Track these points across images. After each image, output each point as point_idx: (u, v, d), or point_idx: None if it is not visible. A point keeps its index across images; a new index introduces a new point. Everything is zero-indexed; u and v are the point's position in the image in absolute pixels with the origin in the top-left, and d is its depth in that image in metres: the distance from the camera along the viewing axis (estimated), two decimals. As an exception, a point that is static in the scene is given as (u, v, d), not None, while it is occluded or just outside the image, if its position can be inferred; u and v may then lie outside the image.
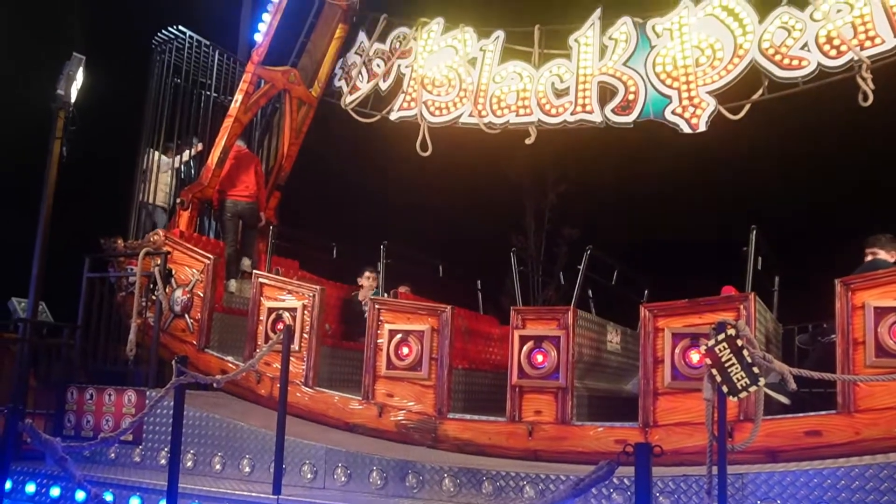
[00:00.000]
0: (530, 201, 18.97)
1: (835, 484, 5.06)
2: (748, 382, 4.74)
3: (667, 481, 5.46)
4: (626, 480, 5.47)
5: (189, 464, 7.00)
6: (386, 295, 8.78)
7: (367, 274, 9.55)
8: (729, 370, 4.77)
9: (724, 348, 4.79)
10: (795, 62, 8.21)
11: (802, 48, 8.18)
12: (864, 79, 7.91)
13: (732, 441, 5.37)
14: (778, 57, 8.27)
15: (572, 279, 13.64)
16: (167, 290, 8.19)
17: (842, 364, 5.87)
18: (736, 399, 4.81)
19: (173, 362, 5.76)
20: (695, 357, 6.22)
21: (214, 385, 6.46)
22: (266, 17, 9.97)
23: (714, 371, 4.79)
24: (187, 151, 10.27)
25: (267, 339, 7.90)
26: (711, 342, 4.83)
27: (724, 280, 8.96)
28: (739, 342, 4.78)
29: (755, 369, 4.75)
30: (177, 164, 10.09)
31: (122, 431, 5.91)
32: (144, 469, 7.25)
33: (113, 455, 7.44)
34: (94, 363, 8.21)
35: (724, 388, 4.76)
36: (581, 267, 7.08)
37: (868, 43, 7.93)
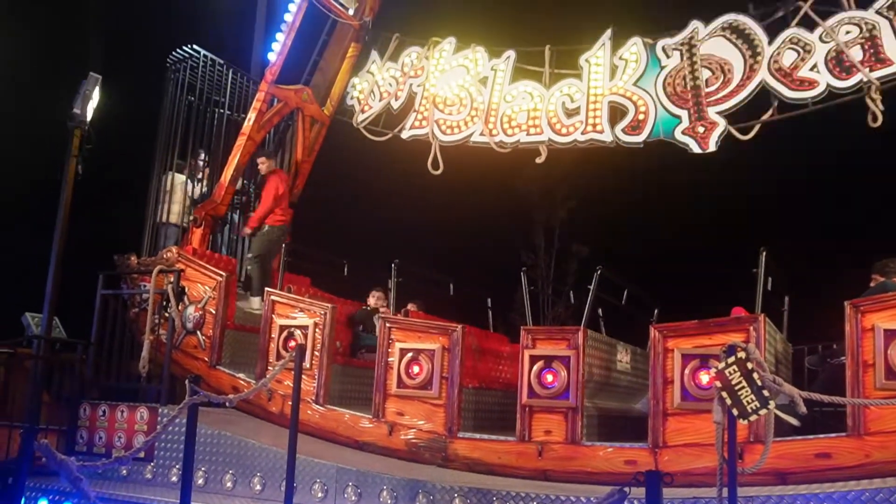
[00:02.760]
0: (540, 218, 19.02)
1: (845, 508, 5.06)
2: (758, 405, 4.76)
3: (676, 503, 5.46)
4: (636, 502, 5.47)
5: (200, 481, 7.04)
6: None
7: (374, 293, 9.60)
8: (739, 393, 4.79)
9: (735, 371, 4.81)
10: (805, 83, 8.25)
11: (812, 69, 8.22)
12: (873, 100, 7.94)
13: (742, 463, 5.38)
14: (788, 78, 8.31)
15: (581, 297, 13.71)
16: (180, 306, 8.25)
17: (851, 387, 5.87)
18: (746, 422, 4.83)
19: (186, 382, 5.80)
20: (704, 378, 6.24)
21: (228, 404, 6.50)
22: (280, 36, 10.07)
23: (724, 394, 4.81)
24: (199, 169, 10.35)
25: (278, 356, 7.95)
26: (722, 365, 4.85)
27: (734, 300, 8.97)
28: (749, 365, 4.80)
29: (765, 392, 4.77)
30: (189, 185, 10.16)
31: (137, 450, 5.97)
32: (156, 486, 7.29)
33: (125, 472, 7.49)
34: (107, 380, 8.25)
35: (734, 411, 4.77)
36: (592, 287, 7.10)
37: (878, 65, 7.97)
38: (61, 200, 8.10)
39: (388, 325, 7.52)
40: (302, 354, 6.24)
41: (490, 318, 10.30)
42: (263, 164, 10.01)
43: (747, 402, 4.77)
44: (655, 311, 9.35)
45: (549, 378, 6.75)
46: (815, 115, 8.24)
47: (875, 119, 7.94)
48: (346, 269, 9.70)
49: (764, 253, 6.63)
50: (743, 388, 4.79)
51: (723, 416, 4.83)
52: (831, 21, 8.19)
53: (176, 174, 10.07)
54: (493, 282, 13.87)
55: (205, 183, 10.38)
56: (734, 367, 4.82)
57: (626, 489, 4.19)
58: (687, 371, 6.31)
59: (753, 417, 4.76)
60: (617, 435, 7.02)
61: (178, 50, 10.05)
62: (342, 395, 8.14)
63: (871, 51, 7.99)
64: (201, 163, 10.33)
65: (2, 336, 9.23)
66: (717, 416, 4.87)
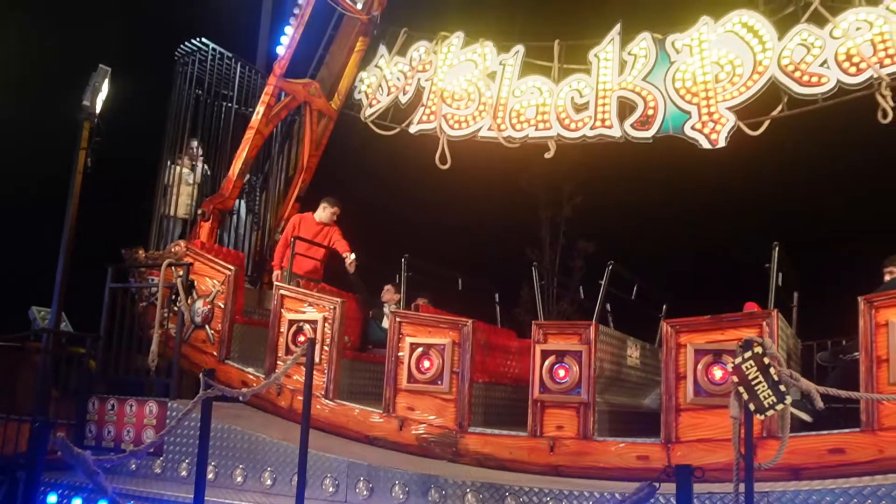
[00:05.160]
0: (546, 214, 19.00)
1: (861, 503, 5.05)
2: (775, 400, 4.75)
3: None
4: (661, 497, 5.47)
5: (210, 476, 7.02)
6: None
7: (387, 287, 9.62)
8: (755, 388, 4.78)
9: (751, 366, 4.80)
10: (815, 79, 8.22)
11: (822, 65, 8.20)
12: (883, 96, 7.93)
13: (757, 459, 5.36)
14: (797, 73, 8.29)
15: (588, 292, 13.71)
16: (189, 300, 8.23)
17: (865, 382, 5.87)
18: (763, 417, 4.82)
19: (201, 375, 5.80)
20: (717, 373, 6.24)
21: (241, 398, 6.49)
22: (289, 29, 10.05)
23: (741, 389, 4.80)
24: (194, 157, 10.29)
25: (288, 350, 7.95)
26: (738, 359, 4.85)
27: (743, 296, 8.95)
28: (766, 360, 4.79)
29: (781, 387, 4.76)
30: (198, 178, 10.13)
31: (151, 444, 5.97)
32: (165, 481, 7.29)
33: (133, 466, 7.48)
34: (115, 374, 8.24)
35: (751, 406, 4.77)
36: (603, 282, 7.09)
37: (888, 61, 7.94)
38: (70, 193, 8.07)
39: (398, 319, 7.51)
40: (313, 349, 6.22)
41: (498, 313, 10.27)
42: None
43: (764, 396, 4.76)
44: (664, 307, 9.34)
45: (561, 373, 6.75)
46: (827, 110, 8.20)
47: (885, 115, 7.92)
48: (354, 266, 9.66)
49: (777, 248, 6.61)
50: (760, 382, 4.78)
51: (739, 411, 4.83)
52: (841, 17, 8.16)
53: (184, 169, 10.04)
54: (498, 277, 13.85)
55: (200, 171, 10.27)
56: (751, 361, 4.81)
57: (657, 484, 4.17)
58: (700, 366, 6.30)
59: (770, 412, 4.75)
60: (627, 430, 7.03)
61: (185, 43, 10.01)
62: (351, 390, 8.14)
63: (882, 47, 7.96)
64: (194, 150, 10.25)
65: (7, 330, 9.22)
66: (734, 410, 4.86)
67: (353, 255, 9.48)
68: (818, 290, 9.26)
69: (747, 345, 4.84)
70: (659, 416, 8.36)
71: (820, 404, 4.74)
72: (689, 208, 16.22)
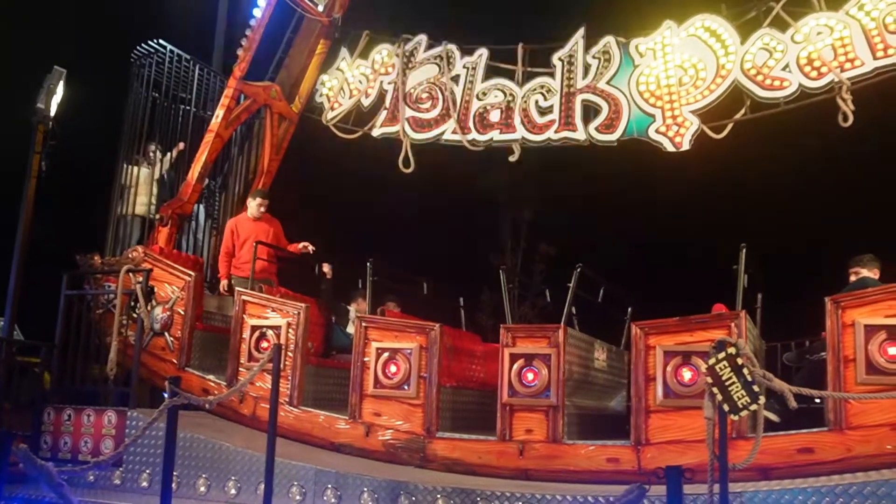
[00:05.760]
0: (506, 217, 19.01)
1: (833, 501, 5.07)
2: (748, 401, 4.75)
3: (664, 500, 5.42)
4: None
5: (173, 486, 6.81)
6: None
7: (359, 300, 9.46)
8: (729, 388, 4.78)
9: (725, 366, 4.80)
10: (777, 83, 8.32)
11: (784, 69, 8.30)
12: (844, 100, 8.04)
13: (728, 459, 5.36)
14: (760, 77, 8.38)
15: (551, 295, 13.69)
16: (147, 307, 8.01)
17: (833, 382, 5.92)
18: (737, 417, 4.82)
19: (167, 383, 5.62)
20: (687, 375, 6.24)
21: (207, 406, 6.32)
22: (248, 31, 9.86)
23: (714, 389, 4.79)
24: (167, 158, 10.05)
25: (251, 357, 7.79)
26: (712, 360, 4.84)
27: (707, 298, 9.00)
28: (740, 360, 4.79)
29: (755, 387, 4.76)
30: (156, 175, 9.88)
31: (117, 454, 5.77)
32: (125, 492, 7.06)
33: (91, 478, 7.22)
34: (72, 383, 7.99)
35: (725, 407, 4.76)
36: (571, 284, 7.06)
37: (848, 65, 8.07)
38: (24, 197, 7.81)
39: (364, 324, 7.40)
40: (280, 355, 6.08)
41: (463, 317, 10.19)
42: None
43: (738, 397, 4.76)
44: (629, 309, 9.34)
45: (530, 376, 6.69)
46: (789, 113, 8.31)
47: (846, 119, 8.04)
48: (316, 269, 9.51)
49: (744, 249, 6.64)
50: (733, 383, 4.78)
51: (713, 411, 4.82)
52: (802, 22, 8.26)
53: (142, 168, 9.79)
54: (459, 281, 13.79)
55: (159, 168, 10.02)
56: (724, 362, 4.81)
57: (646, 486, 4.12)
58: (669, 368, 6.29)
59: (744, 413, 4.75)
60: (595, 433, 7.00)
61: (142, 45, 9.78)
62: (316, 397, 7.98)
63: (842, 51, 8.08)
64: (151, 155, 9.99)
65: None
66: (708, 411, 4.85)
67: (308, 246, 9.43)
68: (780, 291, 9.33)
69: (721, 345, 4.84)
70: (626, 419, 8.43)
71: (793, 404, 4.76)
72: (650, 211, 16.35)
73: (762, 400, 4.75)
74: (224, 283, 9.31)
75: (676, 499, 4.07)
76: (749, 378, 4.76)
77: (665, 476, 4.09)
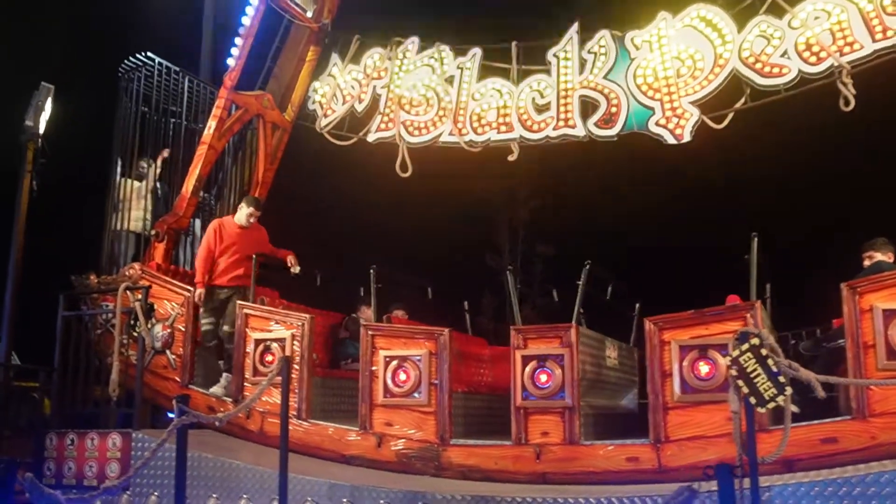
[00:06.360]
0: (503, 218, 18.88)
1: (865, 491, 4.95)
2: (775, 392, 4.65)
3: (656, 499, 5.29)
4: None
5: (183, 507, 6.65)
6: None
7: (363, 308, 9.24)
8: (755, 380, 4.67)
9: (749, 358, 4.70)
10: (776, 70, 8.20)
11: (782, 56, 8.19)
12: (844, 84, 7.93)
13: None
14: (758, 65, 8.26)
15: (553, 296, 13.56)
16: (147, 325, 7.84)
17: (853, 369, 5.81)
18: (764, 410, 4.70)
19: (174, 402, 5.46)
20: (704, 369, 6.12)
21: (217, 424, 6.16)
22: (238, 40, 9.70)
23: (739, 382, 4.68)
24: (153, 168, 9.83)
25: (256, 371, 7.65)
26: (735, 352, 4.73)
27: (712, 291, 8.89)
28: (764, 351, 4.69)
29: (781, 378, 4.65)
30: (149, 187, 9.68)
31: (127, 477, 5.59)
32: (133, 515, 6.89)
33: (99, 503, 7.06)
34: (73, 406, 7.82)
35: (752, 400, 4.65)
36: (580, 282, 6.93)
37: (847, 49, 7.95)
38: (16, 218, 7.64)
39: (370, 332, 7.26)
40: (288, 367, 5.93)
41: (468, 321, 10.05)
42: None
43: (764, 389, 4.66)
44: (637, 306, 9.22)
45: (544, 378, 6.57)
46: (790, 100, 8.20)
47: (847, 103, 7.92)
48: (318, 279, 9.35)
49: (756, 239, 6.53)
50: (759, 375, 4.67)
51: (739, 405, 4.70)
52: (799, 7, 8.17)
53: (135, 182, 9.60)
54: (458, 285, 13.67)
55: (153, 179, 9.81)
56: (748, 354, 4.70)
57: (696, 485, 3.99)
58: (685, 363, 6.18)
59: (772, 405, 4.64)
60: (610, 433, 6.88)
61: (130, 58, 9.61)
62: (323, 409, 7.83)
63: (840, 35, 7.98)
64: (143, 171, 9.79)
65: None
66: (734, 405, 4.74)
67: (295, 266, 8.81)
68: (789, 280, 9.22)
69: (743, 337, 4.73)
70: (638, 416, 8.31)
71: (822, 394, 4.65)
72: (648, 205, 16.24)
73: (789, 391, 4.64)
74: (200, 291, 8.21)
75: (729, 498, 3.92)
76: (775, 369, 4.65)
77: (715, 475, 3.95)
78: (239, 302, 8.04)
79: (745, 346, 4.68)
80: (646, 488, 5.76)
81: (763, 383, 4.63)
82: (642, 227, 16.53)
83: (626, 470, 6.23)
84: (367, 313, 8.91)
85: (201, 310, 8.24)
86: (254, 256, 8.38)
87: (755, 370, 4.65)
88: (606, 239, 15.81)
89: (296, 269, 8.71)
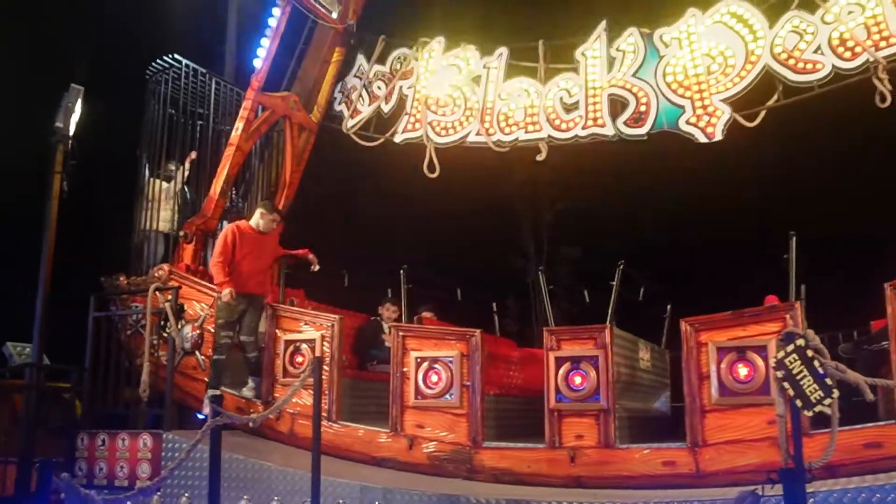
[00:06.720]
0: (527, 221, 18.76)
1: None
2: (822, 395, 4.54)
3: None
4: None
5: (214, 509, 6.62)
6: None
7: (388, 305, 9.17)
8: (801, 383, 4.56)
9: (795, 359, 4.59)
10: (809, 66, 8.08)
11: (816, 51, 8.06)
12: (880, 80, 7.80)
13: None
14: (791, 61, 8.15)
15: (573, 296, 13.45)
16: (177, 326, 7.83)
17: (898, 371, 5.68)
18: (811, 413, 4.59)
19: (207, 401, 5.43)
20: (743, 371, 6.01)
21: (251, 424, 6.12)
22: (264, 41, 9.69)
23: (785, 384, 4.57)
24: (181, 170, 9.81)
25: (286, 372, 7.61)
26: (780, 353, 4.63)
27: (743, 293, 8.77)
28: (809, 353, 4.58)
29: (828, 381, 4.54)
30: (177, 188, 9.67)
31: (161, 478, 5.56)
32: (164, 517, 6.87)
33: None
34: (104, 407, 7.82)
35: (798, 402, 4.54)
36: (615, 283, 6.85)
37: (883, 43, 7.83)
38: (46, 221, 7.63)
39: (401, 333, 7.20)
40: (320, 368, 5.88)
41: (497, 323, 9.97)
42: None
43: (810, 391, 4.55)
44: (668, 307, 9.11)
45: (578, 380, 6.48)
46: (823, 96, 8.07)
47: (883, 99, 7.79)
48: (346, 280, 9.30)
49: (794, 238, 6.41)
50: (805, 377, 4.56)
51: (785, 408, 4.59)
52: (832, 2, 8.04)
53: (161, 182, 9.59)
54: (484, 287, 13.57)
55: (182, 185, 9.79)
56: (794, 355, 4.59)
57: (759, 490, 3.89)
58: (723, 365, 6.08)
59: (819, 408, 4.53)
60: (643, 436, 6.78)
61: (157, 60, 9.61)
62: (352, 411, 7.78)
63: (875, 30, 7.85)
64: (171, 173, 9.77)
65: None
66: (779, 408, 4.64)
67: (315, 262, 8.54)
68: (821, 282, 9.06)
69: (789, 338, 4.63)
70: (670, 420, 8.21)
71: (870, 396, 4.54)
72: (675, 206, 16.08)
73: (836, 394, 4.53)
74: (228, 291, 7.70)
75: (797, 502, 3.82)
76: (821, 371, 4.54)
77: (781, 479, 3.85)
78: (269, 303, 8.00)
79: (791, 348, 4.58)
80: (685, 493, 5.67)
81: (809, 385, 4.53)
82: (669, 229, 16.37)
83: (663, 474, 6.13)
84: (390, 311, 8.86)
85: (217, 321, 7.81)
86: (281, 257, 8.35)
87: (801, 372, 4.55)
88: (633, 240, 15.68)
89: (316, 266, 8.53)
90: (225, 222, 9.84)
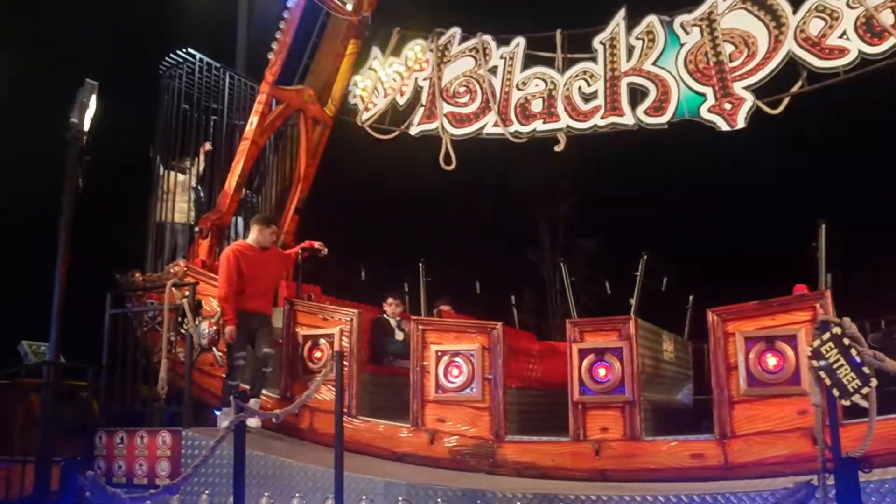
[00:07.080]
0: (542, 214, 18.64)
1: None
2: (859, 384, 4.41)
3: (766, 496, 5.07)
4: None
5: (235, 506, 6.54)
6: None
7: (390, 300, 9.03)
8: (838, 371, 4.43)
9: (831, 348, 4.46)
10: (835, 51, 7.94)
11: (841, 36, 7.92)
12: (908, 64, 7.64)
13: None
14: (816, 47, 7.99)
15: (590, 288, 13.34)
16: (194, 322, 7.75)
17: (931, 360, 5.52)
18: (848, 403, 4.46)
19: (231, 398, 5.34)
20: (772, 361, 5.88)
21: (274, 420, 6.04)
22: (278, 34, 9.60)
23: (822, 374, 4.45)
24: (196, 161, 9.71)
25: (304, 368, 7.52)
26: (816, 342, 4.50)
27: (765, 281, 8.63)
28: (846, 341, 4.45)
29: (865, 369, 4.41)
30: (192, 182, 9.60)
31: (186, 476, 5.47)
32: (184, 514, 6.80)
33: (149, 502, 6.97)
34: (121, 405, 7.75)
35: (835, 392, 4.41)
36: (639, 273, 6.73)
37: (910, 26, 7.67)
38: (62, 217, 7.57)
39: (420, 327, 7.09)
40: (342, 363, 5.79)
41: (516, 316, 9.87)
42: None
43: (847, 380, 4.42)
44: (691, 298, 8.97)
45: (602, 372, 6.36)
46: (849, 82, 7.90)
47: (911, 84, 7.65)
48: (362, 274, 9.21)
49: (823, 226, 6.27)
50: (842, 366, 4.43)
51: (822, 397, 4.46)
52: (857, -15, 7.88)
53: (177, 174, 9.51)
54: (500, 280, 13.46)
55: (197, 172, 9.71)
56: (830, 343, 4.47)
57: (815, 481, 3.77)
58: (752, 355, 5.95)
59: (856, 397, 4.40)
60: (667, 428, 6.65)
61: (171, 55, 9.53)
62: (371, 406, 7.69)
63: (903, 12, 7.69)
64: (186, 168, 9.68)
65: (-4, 367, 8.74)
66: (816, 398, 4.51)
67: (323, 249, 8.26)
68: (846, 270, 8.91)
69: (824, 326, 4.50)
70: (693, 411, 8.08)
71: (908, 384, 4.39)
72: (693, 197, 15.93)
73: (874, 382, 4.40)
74: (232, 329, 7.26)
75: (852, 495, 3.69)
76: (858, 359, 4.41)
77: (836, 470, 3.73)
78: (286, 298, 7.92)
79: (827, 336, 4.45)
80: (714, 486, 5.54)
81: (846, 374, 4.40)
82: (687, 220, 16.20)
83: (691, 466, 6.01)
84: (391, 307, 8.74)
85: (228, 343, 7.40)
86: (299, 253, 8.25)
87: (837, 360, 4.42)
88: (650, 231, 15.52)
89: (325, 251, 8.32)
90: (239, 216, 9.79)
